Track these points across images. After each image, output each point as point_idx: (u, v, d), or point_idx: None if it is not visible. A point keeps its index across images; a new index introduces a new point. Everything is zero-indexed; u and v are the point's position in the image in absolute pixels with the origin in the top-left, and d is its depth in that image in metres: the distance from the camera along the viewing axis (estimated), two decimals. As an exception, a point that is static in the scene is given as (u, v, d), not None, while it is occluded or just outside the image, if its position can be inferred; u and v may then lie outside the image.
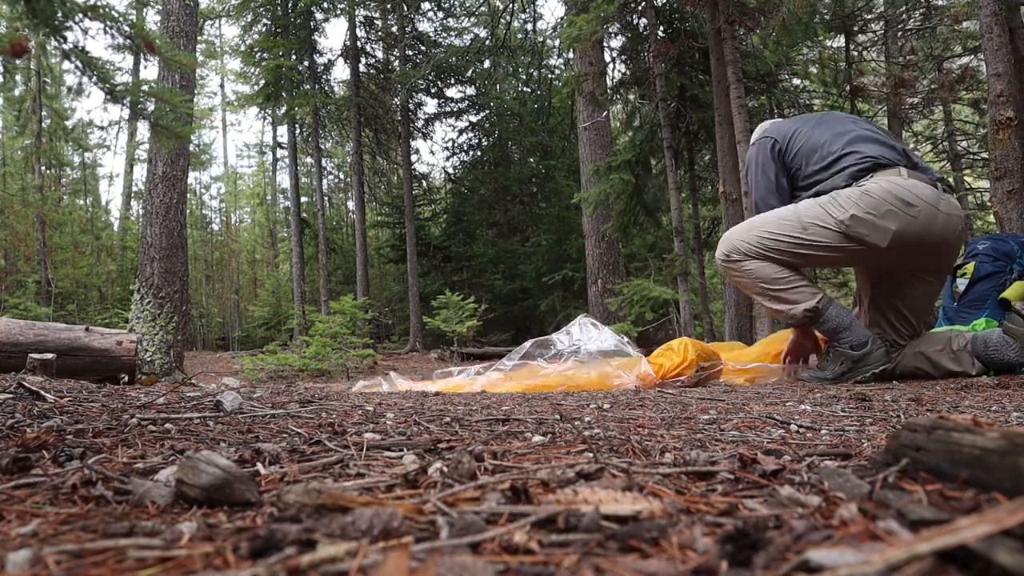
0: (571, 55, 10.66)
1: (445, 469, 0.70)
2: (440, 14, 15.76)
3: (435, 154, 50.38)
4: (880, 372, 2.62)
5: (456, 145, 18.07)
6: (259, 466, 0.79)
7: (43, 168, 14.80)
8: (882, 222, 2.47)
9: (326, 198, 19.46)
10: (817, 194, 2.67)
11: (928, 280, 2.75)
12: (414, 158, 17.17)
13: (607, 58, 9.80)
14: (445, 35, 16.12)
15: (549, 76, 15.54)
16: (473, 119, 17.44)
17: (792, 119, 3.02)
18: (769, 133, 2.89)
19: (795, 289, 2.62)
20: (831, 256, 2.61)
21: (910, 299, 2.77)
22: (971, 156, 10.14)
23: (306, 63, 14.13)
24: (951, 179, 9.47)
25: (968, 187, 10.10)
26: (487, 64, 15.70)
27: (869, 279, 2.84)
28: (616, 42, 10.10)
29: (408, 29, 15.01)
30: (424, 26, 15.80)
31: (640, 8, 8.06)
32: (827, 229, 2.53)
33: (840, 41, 8.98)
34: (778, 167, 2.80)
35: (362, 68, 14.88)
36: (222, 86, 28.56)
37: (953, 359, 2.63)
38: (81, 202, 19.16)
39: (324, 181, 17.10)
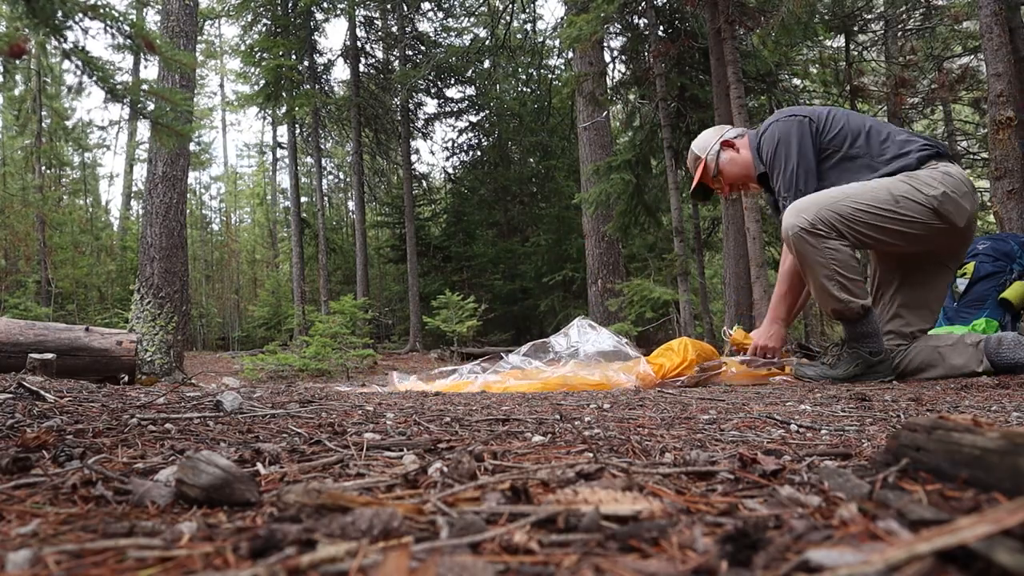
0: (571, 55, 10.66)
1: (445, 469, 0.70)
2: (440, 14, 15.78)
3: (435, 154, 50.42)
4: (884, 382, 2.63)
5: (456, 145, 18.08)
6: (259, 466, 0.79)
7: (43, 168, 14.81)
8: (963, 202, 2.52)
9: (326, 198, 19.47)
10: (869, 170, 2.64)
11: (949, 268, 2.82)
12: (414, 158, 17.18)
13: (607, 58, 9.80)
14: (445, 35, 16.13)
15: (549, 76, 15.55)
16: (473, 119, 17.45)
17: (809, 107, 2.97)
18: (802, 113, 2.81)
19: (860, 282, 2.60)
20: (914, 233, 2.56)
21: (935, 289, 2.82)
22: (971, 156, 10.14)
23: (306, 63, 14.14)
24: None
25: (968, 187, 10.11)
26: (487, 64, 15.71)
27: (899, 270, 2.84)
28: (616, 42, 10.12)
29: (408, 29, 15.02)
30: (424, 26, 15.82)
31: (640, 8, 8.07)
32: (919, 204, 2.51)
33: (840, 41, 8.98)
34: (815, 147, 2.74)
35: (362, 68, 14.88)
36: (222, 86, 28.59)
37: (962, 354, 2.63)
38: (81, 202, 19.17)
39: (324, 181, 17.12)
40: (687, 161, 3.21)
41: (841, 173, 2.69)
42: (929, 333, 2.84)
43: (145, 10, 16.39)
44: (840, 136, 2.70)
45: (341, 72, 30.04)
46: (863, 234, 2.55)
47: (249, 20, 14.48)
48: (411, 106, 15.68)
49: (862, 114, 2.87)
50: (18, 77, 14.15)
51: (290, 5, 14.02)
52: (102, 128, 21.87)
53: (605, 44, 9.77)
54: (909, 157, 2.59)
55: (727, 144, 2.99)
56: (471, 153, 18.32)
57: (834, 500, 0.55)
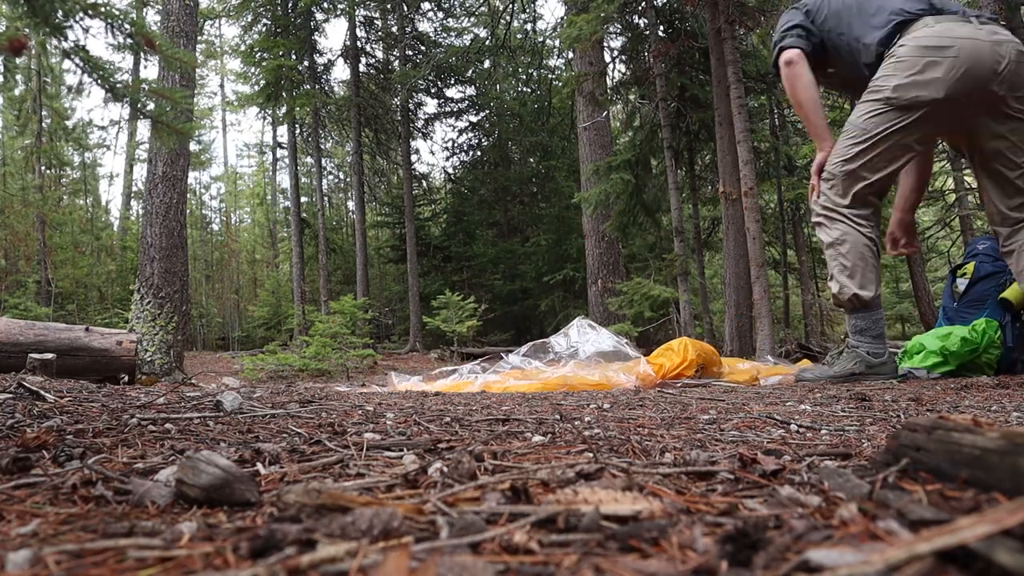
0: (571, 55, 10.66)
1: (445, 469, 0.70)
2: (440, 14, 15.78)
3: (435, 154, 50.44)
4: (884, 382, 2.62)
5: (456, 145, 18.08)
6: (259, 466, 0.79)
7: (43, 168, 14.80)
8: (925, 76, 2.37)
9: (326, 198, 19.47)
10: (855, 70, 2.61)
11: (1001, 141, 2.48)
12: (414, 158, 17.18)
13: (607, 58, 9.81)
14: (445, 35, 16.13)
15: (549, 76, 15.55)
16: (473, 119, 17.45)
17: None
18: (796, 5, 2.80)
19: (862, 270, 2.57)
20: (906, 140, 2.46)
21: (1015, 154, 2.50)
22: (971, 156, 10.11)
23: (306, 63, 14.13)
24: (951, 178, 9.47)
25: (968, 187, 10.11)
26: (487, 64, 15.71)
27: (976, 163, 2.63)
28: (616, 42, 10.12)
29: (408, 29, 15.02)
30: (424, 26, 15.82)
31: (640, 8, 8.07)
32: (881, 114, 2.45)
33: (840, 41, 8.94)
34: (800, 17, 2.70)
35: (362, 68, 14.88)
36: (222, 86, 28.57)
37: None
38: (81, 202, 19.15)
39: (324, 181, 17.12)
40: None
41: (838, 52, 2.65)
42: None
43: (145, 10, 16.38)
44: (829, 19, 2.66)
45: (341, 72, 30.04)
46: (865, 177, 2.53)
47: (249, 20, 14.48)
48: (411, 106, 15.67)
49: None
50: (18, 77, 14.14)
51: (290, 5, 14.01)
52: (102, 128, 21.86)
53: (605, 44, 9.78)
54: (871, 50, 2.52)
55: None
56: (471, 153, 18.32)
57: (834, 500, 0.55)
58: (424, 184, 18.79)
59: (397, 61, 15.12)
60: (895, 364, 2.66)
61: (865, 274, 2.58)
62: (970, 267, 3.51)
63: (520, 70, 16.91)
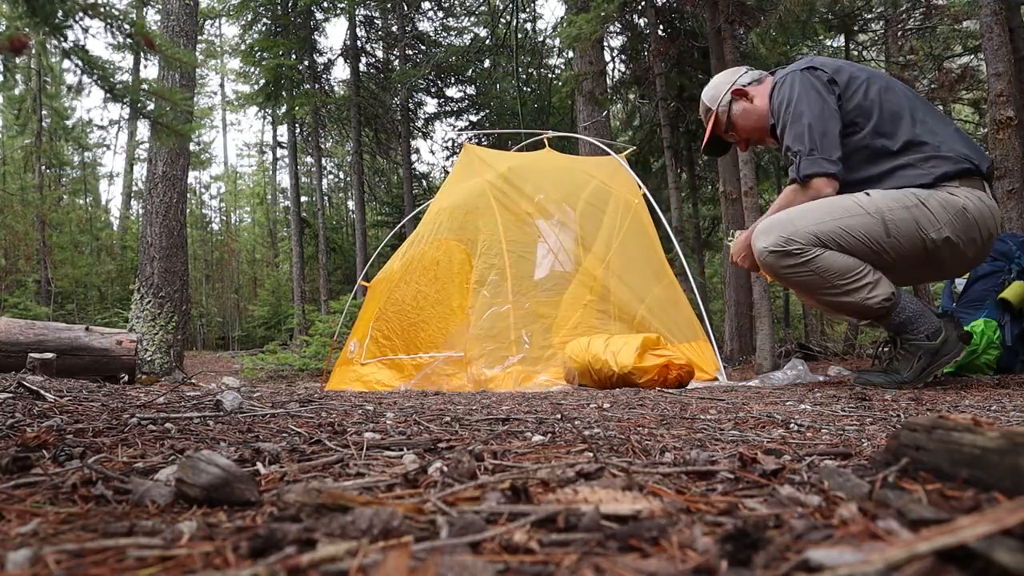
0: (571, 54, 10.66)
1: (445, 468, 0.70)
2: (440, 14, 15.78)
3: (435, 153, 50.39)
4: (958, 360, 2.34)
5: (456, 145, 18.08)
6: (259, 465, 0.79)
7: (43, 168, 14.80)
8: (965, 248, 2.21)
9: (326, 198, 19.48)
10: (883, 174, 2.28)
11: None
12: (414, 158, 17.18)
13: (607, 57, 9.80)
14: (445, 35, 16.13)
15: (549, 76, 15.54)
16: (473, 119, 17.44)
17: (830, 59, 2.51)
18: (814, 64, 2.39)
19: (870, 274, 2.23)
20: (900, 266, 2.26)
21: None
22: (971, 156, 10.09)
23: (306, 63, 14.13)
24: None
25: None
26: (487, 63, 15.70)
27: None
28: (616, 42, 10.12)
29: (408, 29, 15.01)
30: (424, 26, 15.81)
31: (640, 8, 8.07)
32: (914, 244, 2.19)
33: (840, 41, 8.98)
34: (834, 101, 2.31)
35: (362, 68, 14.88)
36: (222, 86, 28.55)
37: None
38: (81, 202, 19.15)
39: (324, 181, 17.12)
40: (699, 112, 2.81)
41: (857, 155, 2.33)
42: None
43: (145, 10, 16.37)
44: (856, 110, 2.32)
45: (341, 72, 30.02)
46: (843, 249, 2.23)
47: (249, 19, 14.46)
48: (411, 105, 15.67)
49: (902, 88, 2.44)
50: (18, 77, 14.13)
51: (290, 4, 14.01)
52: (102, 127, 21.87)
53: (605, 44, 9.77)
54: (923, 169, 2.22)
55: (739, 93, 2.60)
56: (471, 153, 18.32)
57: (834, 500, 0.55)
58: (424, 184, 18.78)
59: (397, 60, 15.11)
60: (955, 332, 2.30)
61: (872, 273, 2.26)
62: (969, 267, 3.51)
63: (520, 70, 16.90)
